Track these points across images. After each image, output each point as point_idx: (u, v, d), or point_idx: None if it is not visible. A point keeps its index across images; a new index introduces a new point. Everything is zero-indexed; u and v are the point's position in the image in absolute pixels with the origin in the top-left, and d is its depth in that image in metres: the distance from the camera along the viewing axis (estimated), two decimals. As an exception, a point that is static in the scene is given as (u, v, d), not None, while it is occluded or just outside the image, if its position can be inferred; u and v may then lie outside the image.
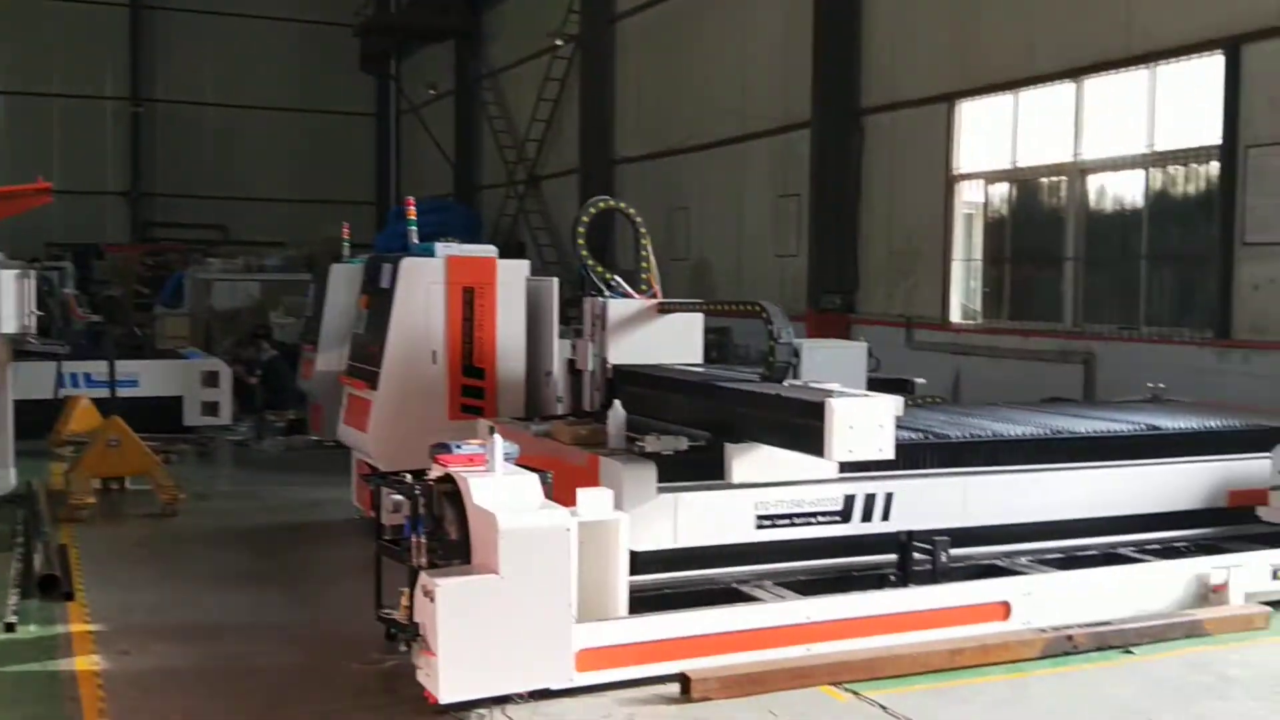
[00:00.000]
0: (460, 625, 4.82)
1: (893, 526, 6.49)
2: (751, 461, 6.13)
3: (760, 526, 6.26)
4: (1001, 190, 14.11)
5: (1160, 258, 12.15)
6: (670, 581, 6.09)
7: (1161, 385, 9.67)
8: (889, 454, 5.44)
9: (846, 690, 5.33)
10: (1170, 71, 11.86)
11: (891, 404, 5.41)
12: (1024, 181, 13.76)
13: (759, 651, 5.43)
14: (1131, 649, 5.97)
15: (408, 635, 5.07)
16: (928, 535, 6.30)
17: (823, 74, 15.89)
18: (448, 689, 4.86)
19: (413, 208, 9.03)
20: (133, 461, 9.82)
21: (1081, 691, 5.43)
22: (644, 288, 7.66)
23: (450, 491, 5.19)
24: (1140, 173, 12.30)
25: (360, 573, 6.34)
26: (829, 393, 5.49)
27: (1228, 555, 6.89)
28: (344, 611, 6.66)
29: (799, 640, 5.54)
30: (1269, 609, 6.44)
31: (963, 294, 14.56)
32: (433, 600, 4.83)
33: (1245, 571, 6.59)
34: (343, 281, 11.07)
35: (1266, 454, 7.54)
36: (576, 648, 5.09)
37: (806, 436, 5.43)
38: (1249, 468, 7.64)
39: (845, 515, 6.45)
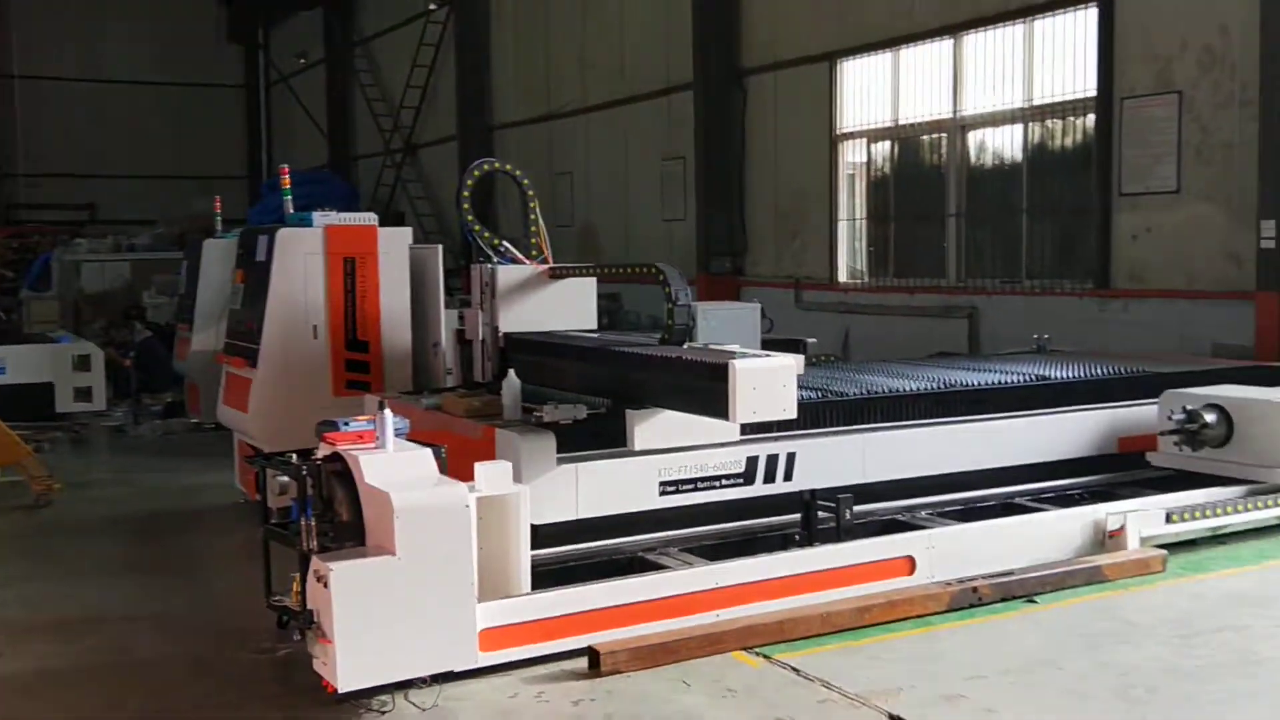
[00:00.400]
0: (357, 610, 4.61)
1: (795, 486, 6.43)
2: (653, 427, 6.01)
3: (664, 493, 6.15)
4: (884, 149, 14.19)
5: (1040, 211, 12.33)
6: (574, 554, 5.95)
7: (1046, 336, 9.81)
8: (792, 414, 5.37)
9: (758, 655, 5.25)
10: (1046, 25, 12.00)
11: (794, 364, 5.33)
12: (905, 139, 13.86)
13: (668, 620, 5.31)
14: (1035, 598, 5.99)
15: (301, 623, 4.84)
16: (830, 493, 6.25)
17: (703, 34, 15.80)
18: (346, 677, 4.65)
19: (287, 177, 8.74)
20: (2, 452, 9.38)
21: (990, 643, 5.43)
22: (534, 253, 7.48)
23: (340, 471, 4.96)
24: (1019, 127, 12.45)
25: (248, 559, 6.10)
26: (731, 354, 5.39)
27: (1122, 501, 6.96)
28: (233, 600, 6.40)
29: (708, 606, 5.44)
30: (1164, 552, 6.53)
31: (849, 253, 14.64)
32: (326, 585, 4.60)
33: (1140, 516, 6.66)
34: (216, 257, 10.79)
35: (1154, 400, 7.68)
36: (480, 627, 4.91)
37: (710, 399, 5.32)
38: (1137, 414, 7.78)
39: (748, 477, 6.37)
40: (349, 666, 4.63)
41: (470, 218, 7.52)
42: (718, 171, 15.77)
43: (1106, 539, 6.63)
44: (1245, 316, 9.96)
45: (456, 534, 4.81)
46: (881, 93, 13.92)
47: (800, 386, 5.59)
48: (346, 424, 5.05)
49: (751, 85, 15.60)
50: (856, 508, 6.30)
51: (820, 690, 4.87)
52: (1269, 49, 9.65)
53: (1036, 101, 12.17)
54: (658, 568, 5.78)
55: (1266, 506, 7.10)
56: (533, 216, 7.59)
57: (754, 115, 15.63)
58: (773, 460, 6.44)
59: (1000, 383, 7.51)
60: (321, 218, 8.24)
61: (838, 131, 14.46)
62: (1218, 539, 7.02)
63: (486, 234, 7.48)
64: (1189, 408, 7.40)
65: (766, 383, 5.25)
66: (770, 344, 8.51)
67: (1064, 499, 7.28)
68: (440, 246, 8.79)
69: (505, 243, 7.51)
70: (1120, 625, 5.63)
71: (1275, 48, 9.55)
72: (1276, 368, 8.56)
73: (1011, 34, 12.33)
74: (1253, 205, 9.95)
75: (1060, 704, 4.74)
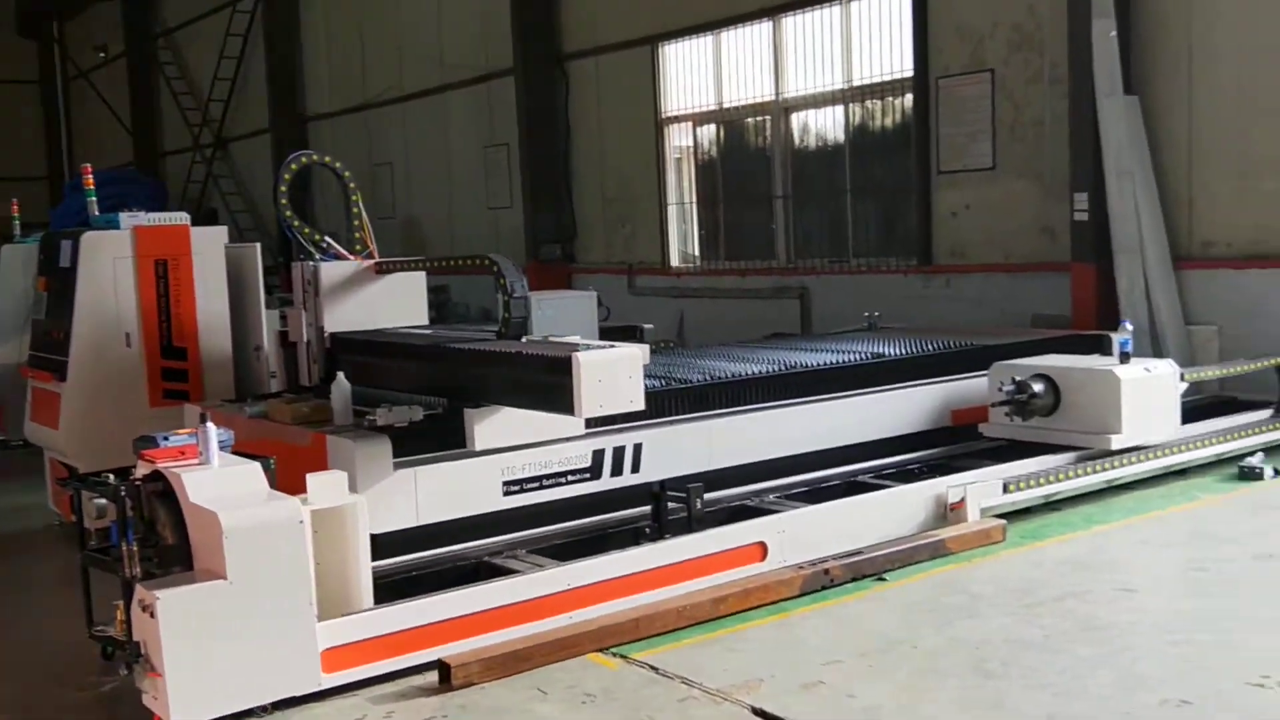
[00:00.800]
0: (187, 640, 4.30)
1: (644, 478, 6.34)
2: (493, 425, 5.82)
3: (508, 493, 5.98)
4: (709, 132, 14.21)
5: (863, 191, 12.51)
6: (417, 562, 5.72)
7: (876, 314, 9.95)
8: (640, 405, 5.25)
9: (615, 655, 5.11)
10: (862, 7, 12.15)
11: (639, 354, 5.20)
12: (730, 122, 13.90)
13: (520, 626, 5.12)
14: (884, 576, 6.01)
15: (128, 655, 4.51)
16: (680, 483, 6.16)
17: (521, 19, 15.58)
18: (179, 711, 4.34)
19: (90, 176, 8.24)
20: None
21: (844, 625, 5.40)
22: (358, 248, 7.20)
23: (161, 490, 4.63)
24: (840, 108, 12.59)
25: (66, 587, 5.68)
26: (574, 346, 5.23)
27: (961, 474, 7.06)
28: (52, 632, 5.95)
29: (561, 609, 5.26)
30: (1004, 522, 6.64)
31: (680, 237, 14.65)
32: (153, 615, 4.29)
33: (979, 488, 6.75)
34: (16, 263, 10.21)
35: (983, 373, 7.83)
36: (321, 648, 4.65)
37: (554, 394, 5.16)
38: (968, 387, 7.95)
39: (595, 471, 6.25)
40: (182, 700, 4.33)
41: (289, 213, 7.21)
42: (543, 158, 15.59)
43: (948, 512, 6.71)
44: (1061, 287, 10.28)
45: (291, 551, 4.54)
46: (705, 76, 13.94)
47: (644, 375, 5.47)
48: (166, 439, 4.74)
49: (573, 70, 15.45)
50: (706, 495, 6.22)
51: (681, 688, 4.76)
52: (1075, 27, 9.94)
53: (856, 82, 12.33)
54: (506, 572, 5.58)
55: (1095, 471, 7.30)
56: (355, 210, 7.31)
57: (577, 100, 15.48)
58: (619, 452, 6.33)
59: (838, 362, 7.55)
60: (129, 219, 7.81)
61: (663, 115, 14.43)
62: (1050, 505, 7.18)
63: (307, 229, 7.17)
64: (1017, 378, 7.56)
65: (612, 375, 5.11)
66: (607, 331, 8.44)
67: (904, 474, 7.35)
68: (258, 244, 8.41)
69: (327, 238, 7.21)
70: (968, 599, 5.68)
71: (1081, 25, 9.83)
72: (1095, 335, 8.84)
73: (829, 15, 12.47)
74: (1064, 180, 10.26)
75: (918, 683, 4.72)
